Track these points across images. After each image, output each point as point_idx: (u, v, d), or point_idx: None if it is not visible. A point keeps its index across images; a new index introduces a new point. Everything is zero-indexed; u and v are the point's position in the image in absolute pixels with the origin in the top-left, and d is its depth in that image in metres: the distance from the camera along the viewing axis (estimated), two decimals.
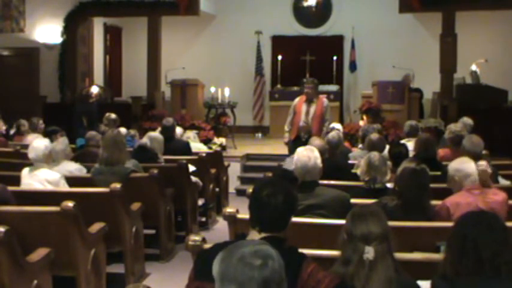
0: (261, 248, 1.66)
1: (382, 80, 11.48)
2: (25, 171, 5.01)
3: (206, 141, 9.85)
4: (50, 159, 5.02)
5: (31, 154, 4.94)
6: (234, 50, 13.68)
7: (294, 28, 13.86)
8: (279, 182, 2.58)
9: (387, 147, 5.95)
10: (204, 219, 7.28)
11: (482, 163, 4.08)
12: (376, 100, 10.83)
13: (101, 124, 8.15)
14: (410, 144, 6.11)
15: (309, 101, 8.14)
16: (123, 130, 8.04)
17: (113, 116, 8.23)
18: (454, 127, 6.33)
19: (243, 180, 9.70)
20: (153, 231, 6.02)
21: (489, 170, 4.08)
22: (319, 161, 3.95)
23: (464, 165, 4.05)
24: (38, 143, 5.04)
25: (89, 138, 6.69)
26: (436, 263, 2.52)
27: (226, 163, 8.63)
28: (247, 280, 1.59)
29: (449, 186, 4.13)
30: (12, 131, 8.86)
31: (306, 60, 13.34)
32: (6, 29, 12.45)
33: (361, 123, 9.98)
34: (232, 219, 3.68)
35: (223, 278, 1.63)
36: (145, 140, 6.58)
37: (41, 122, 8.56)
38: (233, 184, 9.28)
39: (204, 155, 7.26)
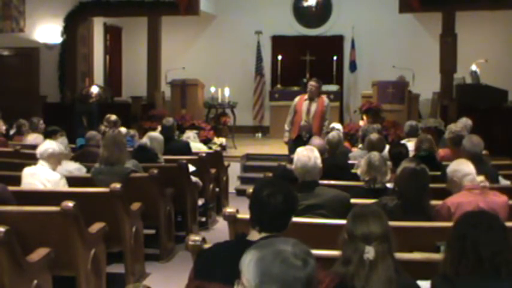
0: (298, 247, 1.69)
1: (382, 80, 11.49)
2: (26, 170, 5.02)
3: (206, 141, 9.85)
4: (54, 160, 5.01)
5: (38, 151, 5.00)
6: (234, 50, 13.68)
7: (294, 28, 13.87)
8: (279, 182, 2.58)
9: (387, 147, 5.95)
10: (204, 219, 7.28)
11: (481, 179, 4.07)
12: (376, 100, 10.84)
13: (101, 125, 8.13)
14: (410, 144, 6.12)
15: (310, 100, 8.15)
16: (122, 130, 8.04)
17: (114, 117, 8.21)
18: (454, 127, 6.34)
19: (243, 180, 9.70)
20: (153, 231, 6.02)
21: (487, 184, 4.10)
22: (319, 161, 3.95)
23: (462, 166, 4.06)
24: (47, 143, 5.12)
25: (89, 138, 6.69)
26: (436, 263, 2.52)
27: (226, 163, 8.63)
28: (292, 280, 1.63)
29: (449, 188, 4.12)
30: (12, 131, 8.86)
31: (306, 60, 13.34)
32: (6, 29, 12.45)
33: (361, 123, 9.98)
34: (232, 219, 3.67)
35: (264, 278, 1.64)
36: (145, 140, 6.57)
37: (41, 122, 8.56)
38: (233, 184, 9.28)
39: (204, 155, 7.26)
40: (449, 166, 4.17)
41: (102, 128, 7.88)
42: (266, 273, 1.63)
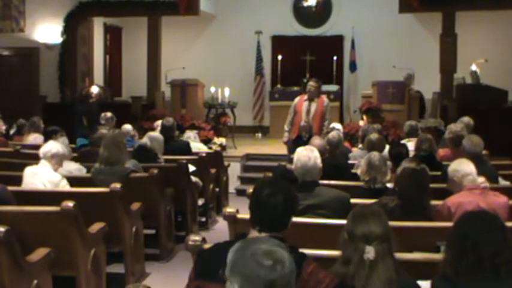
0: (275, 249, 1.69)
1: (382, 80, 11.49)
2: (28, 170, 5.02)
3: (206, 141, 9.85)
4: (56, 161, 5.01)
5: (41, 151, 5.01)
6: (234, 50, 13.68)
7: (294, 28, 13.86)
8: (279, 182, 2.58)
9: (387, 147, 5.95)
10: (204, 219, 7.28)
11: (482, 180, 4.07)
12: (376, 100, 10.84)
13: (101, 126, 8.08)
14: (410, 144, 6.11)
15: (310, 100, 8.15)
16: (128, 127, 8.03)
17: (109, 114, 8.24)
18: (454, 127, 6.33)
19: (243, 180, 9.70)
20: (153, 231, 6.02)
21: (488, 185, 4.10)
22: (319, 161, 3.94)
23: (463, 166, 4.05)
24: (52, 143, 5.13)
25: (99, 138, 6.61)
26: (436, 263, 2.52)
27: (226, 163, 8.63)
28: (253, 277, 1.63)
29: (450, 188, 4.12)
30: (12, 131, 8.86)
31: (306, 60, 13.34)
32: (6, 29, 12.45)
33: (361, 123, 9.97)
34: (232, 219, 3.67)
35: (233, 268, 1.67)
36: (145, 140, 6.57)
37: (41, 122, 8.55)
38: (233, 184, 9.28)
39: (204, 155, 7.26)
40: (450, 166, 4.17)
41: (102, 128, 7.82)
42: (235, 263, 1.66)
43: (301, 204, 3.60)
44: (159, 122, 8.24)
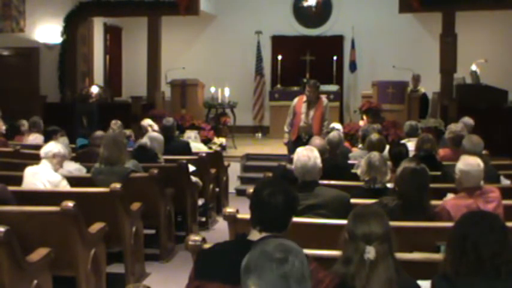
0: (285, 242, 1.70)
1: (382, 80, 11.49)
2: (29, 169, 5.02)
3: (206, 141, 9.85)
4: (57, 161, 5.01)
5: (42, 151, 5.01)
6: (234, 50, 13.68)
7: (294, 28, 13.86)
8: (279, 182, 2.58)
9: (387, 147, 5.95)
10: (204, 219, 7.28)
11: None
12: (376, 100, 10.84)
13: (110, 128, 7.96)
14: (410, 144, 6.11)
15: (309, 102, 8.12)
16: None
17: (119, 122, 8.12)
18: (454, 127, 6.32)
19: (243, 180, 9.70)
20: (153, 231, 6.02)
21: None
22: (318, 160, 3.94)
23: (466, 165, 4.01)
24: (53, 143, 5.16)
25: (97, 138, 6.62)
26: (436, 263, 2.52)
27: (226, 163, 8.63)
28: (266, 272, 1.63)
29: (457, 186, 4.09)
30: (12, 131, 8.85)
31: (306, 60, 13.34)
32: (6, 29, 12.44)
33: (361, 123, 9.98)
34: (232, 219, 3.67)
35: (246, 269, 1.67)
36: (145, 140, 6.57)
37: (41, 122, 8.54)
38: (233, 184, 9.28)
39: (204, 155, 7.26)
40: (457, 163, 4.11)
41: (111, 131, 7.74)
42: (247, 263, 1.69)
43: (301, 204, 3.60)
44: (144, 122, 8.17)
